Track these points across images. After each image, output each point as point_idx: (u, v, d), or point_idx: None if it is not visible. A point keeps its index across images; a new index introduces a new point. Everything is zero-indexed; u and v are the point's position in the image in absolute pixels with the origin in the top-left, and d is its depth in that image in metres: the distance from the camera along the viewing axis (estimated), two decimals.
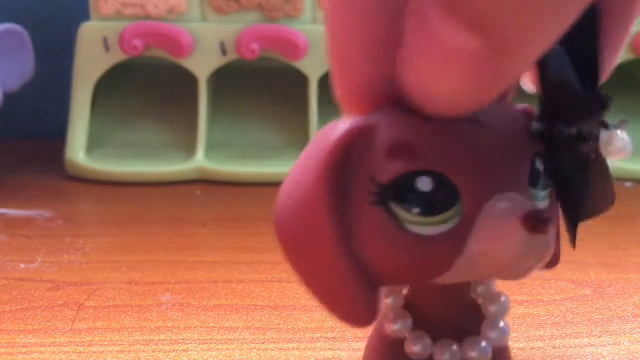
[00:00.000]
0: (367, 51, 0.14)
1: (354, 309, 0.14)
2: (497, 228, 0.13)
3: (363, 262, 0.14)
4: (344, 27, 0.14)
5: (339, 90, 0.14)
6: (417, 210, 0.13)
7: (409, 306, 0.16)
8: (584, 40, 0.14)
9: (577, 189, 0.15)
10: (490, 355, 0.16)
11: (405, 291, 0.17)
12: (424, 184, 0.13)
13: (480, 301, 0.17)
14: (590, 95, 0.14)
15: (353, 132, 0.14)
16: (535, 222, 0.13)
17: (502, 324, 0.16)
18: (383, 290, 0.15)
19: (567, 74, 0.14)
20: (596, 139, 0.14)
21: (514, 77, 0.12)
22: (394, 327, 0.16)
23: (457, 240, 0.13)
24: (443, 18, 0.12)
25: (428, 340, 0.16)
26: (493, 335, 0.16)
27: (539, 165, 0.14)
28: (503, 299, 0.16)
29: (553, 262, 0.16)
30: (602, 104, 0.14)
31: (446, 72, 0.12)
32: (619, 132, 0.14)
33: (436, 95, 0.13)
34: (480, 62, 0.12)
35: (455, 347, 0.16)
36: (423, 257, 0.14)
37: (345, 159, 0.14)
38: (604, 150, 0.14)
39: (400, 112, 0.14)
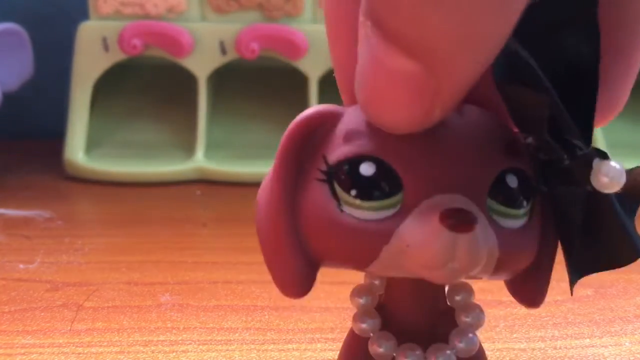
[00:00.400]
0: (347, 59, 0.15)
1: (288, 280, 0.15)
2: (419, 222, 0.13)
3: (304, 241, 0.15)
4: (332, 31, 0.15)
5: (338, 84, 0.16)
6: (354, 192, 0.14)
7: (381, 307, 0.17)
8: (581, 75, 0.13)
9: (575, 232, 0.15)
10: None
11: (380, 293, 0.17)
12: (367, 169, 0.14)
13: (456, 311, 0.16)
14: (532, 95, 0.13)
15: (312, 117, 0.15)
16: (455, 219, 0.13)
17: (471, 334, 0.16)
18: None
19: (520, 75, 0.13)
20: (585, 164, 0.13)
21: (454, 96, 0.13)
22: (361, 326, 0.16)
23: (387, 229, 0.14)
24: (383, 44, 0.13)
25: (393, 342, 0.16)
26: (460, 344, 0.16)
27: (511, 182, 0.14)
28: (478, 311, 0.16)
29: (534, 302, 0.16)
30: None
31: (389, 92, 0.13)
32: (611, 162, 0.13)
33: (381, 113, 0.13)
34: (420, 82, 0.12)
35: (419, 351, 0.16)
36: (352, 240, 0.14)
37: (305, 141, 0.15)
38: (593, 179, 0.13)
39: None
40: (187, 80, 0.42)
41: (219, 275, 0.26)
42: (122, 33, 0.40)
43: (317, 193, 0.14)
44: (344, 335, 0.21)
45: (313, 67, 0.41)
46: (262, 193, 0.15)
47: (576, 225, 0.15)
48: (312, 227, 0.15)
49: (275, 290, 0.25)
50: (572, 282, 0.15)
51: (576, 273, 0.15)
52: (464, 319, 0.16)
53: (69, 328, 0.21)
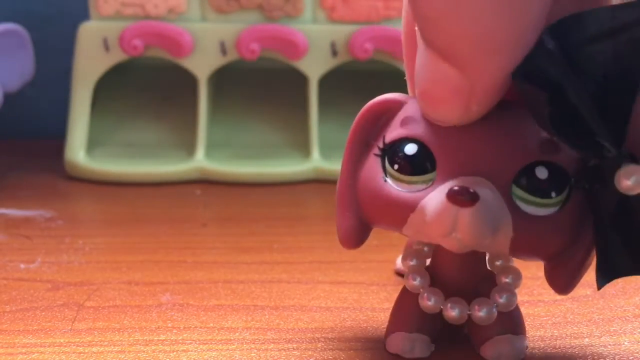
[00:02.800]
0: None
1: (342, 234, 0.18)
2: (433, 196, 0.16)
3: (358, 201, 0.18)
4: (406, 44, 0.18)
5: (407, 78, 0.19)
6: (396, 166, 0.17)
7: (429, 269, 0.19)
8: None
9: (607, 229, 0.15)
10: (494, 316, 0.18)
11: (428, 257, 0.19)
12: (410, 149, 0.17)
13: (496, 272, 0.19)
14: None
15: (378, 103, 0.18)
16: (457, 194, 0.15)
17: (510, 292, 0.18)
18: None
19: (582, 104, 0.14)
20: (613, 166, 0.14)
21: (487, 94, 0.15)
22: (413, 282, 0.19)
23: (415, 199, 0.16)
24: (428, 51, 0.15)
25: (441, 296, 0.18)
26: (501, 300, 0.18)
27: (541, 174, 0.16)
28: (516, 273, 0.19)
29: (562, 288, 0.18)
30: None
31: (435, 90, 0.16)
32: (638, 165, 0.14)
33: (430, 107, 0.16)
34: (455, 83, 0.15)
35: (464, 304, 0.18)
36: (387, 206, 0.17)
37: (372, 122, 0.18)
38: (617, 181, 0.14)
39: None
40: (188, 80, 0.42)
41: (219, 275, 0.26)
42: (123, 33, 0.40)
43: (372, 165, 0.17)
44: (344, 335, 0.21)
45: (313, 67, 0.41)
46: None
47: (606, 223, 0.16)
48: (363, 191, 0.18)
49: (275, 290, 0.25)
50: (600, 283, 0.16)
51: (604, 274, 0.16)
52: (504, 279, 0.19)
53: (70, 327, 0.22)
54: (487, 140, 0.16)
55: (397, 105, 0.18)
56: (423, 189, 0.16)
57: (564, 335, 0.21)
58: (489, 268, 0.19)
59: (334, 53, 0.41)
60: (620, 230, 0.15)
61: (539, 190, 0.16)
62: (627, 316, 0.22)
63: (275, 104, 0.45)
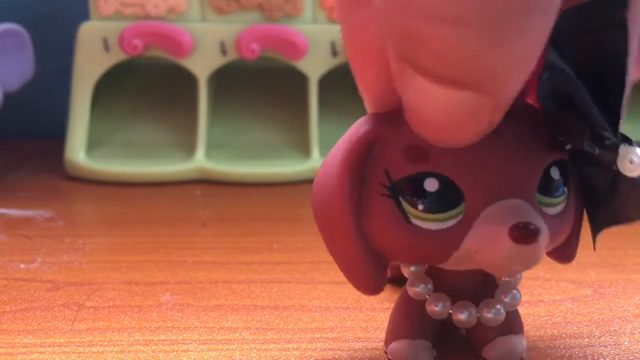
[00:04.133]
0: (380, 77, 0.16)
1: (363, 280, 0.17)
2: (489, 233, 0.15)
3: (375, 248, 0.16)
4: (356, 59, 0.16)
5: (362, 93, 0.17)
6: (421, 207, 0.15)
7: (428, 274, 0.19)
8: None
9: (600, 197, 0.16)
10: (503, 316, 0.18)
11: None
12: (431, 185, 0.15)
13: (496, 275, 0.18)
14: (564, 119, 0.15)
15: (372, 133, 0.16)
16: (521, 234, 0.15)
17: (514, 290, 0.18)
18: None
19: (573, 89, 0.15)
20: (613, 151, 0.15)
21: (508, 104, 0.14)
22: (416, 290, 0.18)
23: (454, 237, 0.15)
24: (429, 83, 0.14)
25: (448, 302, 0.18)
26: (506, 299, 0.18)
27: (555, 174, 0.16)
28: (517, 274, 0.18)
29: (568, 258, 0.18)
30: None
31: (447, 117, 0.14)
32: (637, 148, 0.15)
33: (440, 135, 0.15)
34: (476, 104, 0.14)
35: (472, 308, 0.18)
36: (423, 248, 0.16)
37: (365, 155, 0.16)
38: (619, 164, 0.15)
39: None
40: (188, 80, 0.42)
41: (219, 275, 0.26)
42: (123, 33, 0.40)
43: (384, 208, 0.16)
44: (344, 335, 0.21)
45: (313, 67, 0.41)
46: (324, 197, 0.16)
47: (602, 193, 0.16)
48: (382, 237, 0.16)
49: (275, 290, 0.25)
50: (595, 235, 0.17)
51: (598, 228, 0.17)
52: (505, 279, 0.18)
53: (70, 327, 0.22)
54: (507, 157, 0.16)
55: (391, 132, 0.16)
56: (456, 223, 0.15)
57: (563, 335, 0.21)
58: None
59: (334, 53, 0.41)
60: (610, 192, 0.16)
61: (556, 190, 0.16)
62: (627, 316, 0.22)
63: (275, 104, 0.45)
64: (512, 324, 0.19)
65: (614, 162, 0.15)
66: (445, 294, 0.18)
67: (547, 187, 0.16)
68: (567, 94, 0.15)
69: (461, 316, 0.18)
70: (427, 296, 0.18)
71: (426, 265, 0.19)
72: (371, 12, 0.15)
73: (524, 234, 0.15)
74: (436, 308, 0.18)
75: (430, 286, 0.18)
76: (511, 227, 0.15)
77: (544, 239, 0.15)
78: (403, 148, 0.16)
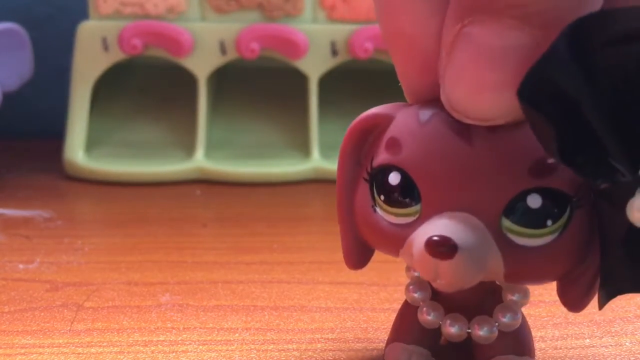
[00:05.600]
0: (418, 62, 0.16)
1: (346, 254, 0.18)
2: (416, 240, 0.15)
3: (355, 225, 0.17)
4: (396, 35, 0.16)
5: (401, 80, 0.17)
6: (383, 197, 0.16)
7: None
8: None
9: (612, 250, 0.14)
10: (495, 335, 0.17)
11: None
12: (394, 178, 0.16)
13: (503, 289, 0.18)
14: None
15: (365, 120, 0.17)
16: (433, 248, 0.14)
17: (514, 310, 0.17)
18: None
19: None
20: (625, 191, 0.13)
21: None
22: (413, 295, 0.18)
23: (402, 235, 0.16)
24: (492, 25, 0.14)
25: (440, 311, 0.18)
26: (503, 319, 0.17)
27: (533, 202, 0.15)
28: (524, 290, 0.18)
29: (572, 306, 0.17)
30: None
31: (499, 74, 0.14)
32: None
33: (484, 102, 0.14)
34: (533, 52, 0.13)
35: (463, 322, 0.17)
36: (379, 237, 0.16)
37: (362, 137, 0.17)
38: (628, 211, 0.13)
39: (413, 110, 0.16)
40: (187, 80, 0.42)
41: (219, 275, 0.26)
42: (122, 33, 0.40)
43: (364, 190, 0.17)
44: (345, 335, 0.21)
45: (313, 67, 0.41)
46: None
47: (612, 243, 0.14)
48: (357, 218, 0.17)
49: (275, 290, 0.25)
50: (602, 302, 0.15)
51: (608, 292, 0.15)
52: (510, 296, 0.17)
53: (69, 328, 0.21)
54: (473, 168, 0.15)
55: (386, 121, 0.16)
56: (410, 223, 0.16)
57: (565, 335, 0.21)
58: (497, 282, 0.18)
59: (334, 53, 0.41)
60: (627, 252, 0.14)
61: (532, 221, 0.15)
62: (629, 317, 0.22)
63: (275, 104, 0.45)
64: (516, 343, 0.18)
65: (624, 203, 0.13)
66: (440, 304, 0.18)
67: (519, 215, 0.15)
68: (572, 98, 0.12)
69: (451, 329, 0.17)
70: (422, 303, 0.18)
71: None
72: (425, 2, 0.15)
73: (435, 248, 0.14)
74: (428, 317, 0.18)
75: (427, 294, 0.18)
76: (427, 239, 0.15)
77: (467, 261, 0.14)
78: (387, 138, 0.16)
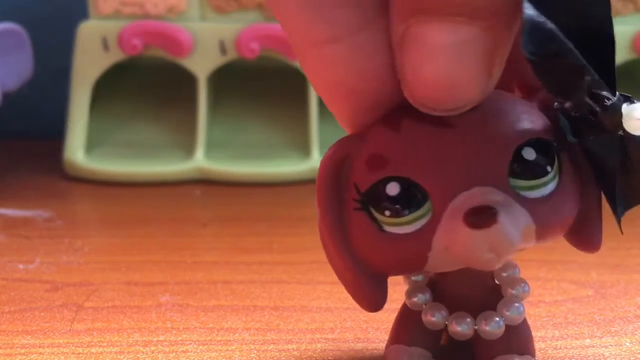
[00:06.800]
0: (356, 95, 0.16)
1: (365, 298, 0.17)
2: (449, 225, 0.15)
3: (362, 263, 0.16)
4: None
5: (338, 118, 0.16)
6: (388, 212, 0.15)
7: (433, 284, 0.18)
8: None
9: (613, 174, 0.15)
10: (502, 330, 0.17)
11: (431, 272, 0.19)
12: (392, 189, 0.15)
13: (502, 285, 0.18)
14: (578, 64, 0.14)
15: (338, 151, 0.16)
16: (476, 218, 0.14)
17: (517, 304, 0.17)
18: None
19: (549, 46, 0.14)
20: (615, 111, 0.14)
21: (505, 53, 0.14)
22: (413, 300, 0.18)
23: (424, 238, 0.15)
24: (441, 24, 0.14)
25: (444, 312, 0.18)
26: (508, 313, 0.17)
27: (528, 154, 0.15)
28: (523, 284, 0.18)
29: (592, 246, 0.17)
30: (582, 71, 0.14)
31: (457, 67, 0.14)
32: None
33: (449, 94, 0.15)
34: (484, 44, 0.14)
35: (469, 319, 0.17)
36: (400, 254, 0.16)
37: (335, 174, 0.16)
38: (626, 123, 0.14)
39: (381, 127, 0.16)
40: (187, 80, 0.42)
41: (219, 275, 0.26)
42: (122, 33, 0.40)
43: (358, 221, 0.16)
44: (345, 335, 0.21)
45: None
46: (320, 231, 0.17)
47: (614, 168, 0.15)
48: (364, 251, 0.16)
49: (275, 290, 0.25)
50: (619, 218, 0.16)
51: (621, 208, 0.16)
52: (511, 291, 0.18)
53: (69, 328, 0.21)
54: (466, 146, 0.15)
55: (354, 148, 0.16)
56: (427, 222, 0.15)
57: (565, 335, 0.21)
58: (496, 281, 0.18)
59: None
60: (624, 168, 0.15)
61: (534, 172, 0.15)
62: (629, 317, 0.22)
63: (275, 104, 0.45)
64: (518, 342, 0.18)
65: (619, 124, 0.14)
66: (443, 305, 0.18)
67: (521, 170, 0.15)
68: (553, 50, 0.14)
69: (457, 328, 0.17)
70: (424, 306, 0.18)
71: (428, 275, 0.18)
72: (343, 46, 0.15)
73: (478, 218, 0.14)
74: (432, 318, 0.18)
75: (428, 296, 0.18)
76: (464, 214, 0.14)
77: (509, 220, 0.14)
78: (366, 159, 0.16)
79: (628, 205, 0.16)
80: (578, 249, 0.17)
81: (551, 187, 0.15)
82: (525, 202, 0.15)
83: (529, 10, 0.14)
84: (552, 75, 0.15)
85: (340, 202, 0.16)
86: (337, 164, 0.16)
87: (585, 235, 0.17)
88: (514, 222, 0.15)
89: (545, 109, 0.16)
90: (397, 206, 0.15)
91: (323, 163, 0.16)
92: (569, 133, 0.16)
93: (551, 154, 0.16)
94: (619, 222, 0.16)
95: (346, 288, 0.17)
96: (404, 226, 0.15)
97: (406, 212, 0.15)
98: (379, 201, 0.15)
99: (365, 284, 0.16)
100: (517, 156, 0.15)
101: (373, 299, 0.17)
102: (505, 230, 0.14)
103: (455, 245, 0.15)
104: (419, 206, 0.15)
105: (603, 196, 0.16)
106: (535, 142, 0.15)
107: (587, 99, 0.14)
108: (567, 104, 0.15)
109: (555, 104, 0.16)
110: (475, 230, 0.14)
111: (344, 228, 0.16)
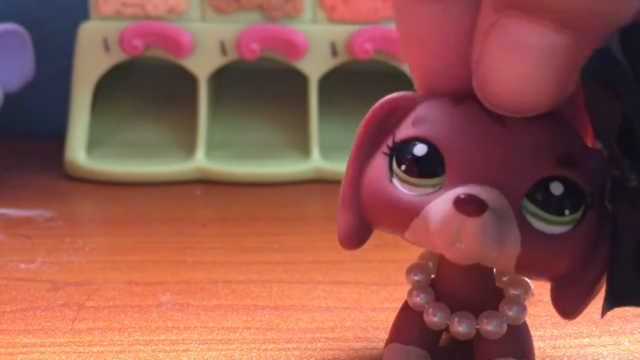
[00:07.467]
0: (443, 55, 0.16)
1: (342, 233, 0.17)
2: (439, 200, 0.15)
3: (360, 201, 0.17)
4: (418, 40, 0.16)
5: (413, 75, 0.17)
6: (404, 167, 0.16)
7: (434, 284, 0.18)
8: None
9: (621, 259, 0.15)
10: (504, 329, 0.17)
11: (433, 271, 0.19)
12: (420, 149, 0.16)
13: (504, 287, 0.18)
14: None
15: (390, 101, 0.17)
16: (465, 203, 0.14)
17: (519, 303, 0.18)
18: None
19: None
20: None
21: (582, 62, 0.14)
22: (415, 300, 0.18)
23: (419, 204, 0.15)
24: (529, 25, 0.14)
25: (446, 312, 0.18)
26: (510, 312, 0.17)
27: (556, 189, 0.15)
28: (525, 284, 0.18)
29: (566, 313, 0.16)
30: None
31: (533, 73, 0.14)
32: None
33: (519, 97, 0.15)
34: (566, 56, 0.14)
35: (471, 319, 0.17)
36: (390, 208, 0.16)
37: (383, 118, 0.17)
38: None
39: (442, 100, 0.16)
40: (188, 80, 0.42)
41: (219, 275, 0.26)
42: (123, 33, 0.40)
43: (380, 164, 0.17)
44: (344, 335, 0.21)
45: (313, 67, 0.41)
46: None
47: (625, 252, 0.15)
48: (367, 190, 0.17)
49: (275, 290, 0.25)
50: (605, 308, 0.15)
51: (612, 301, 0.15)
52: (512, 291, 0.18)
53: (70, 327, 0.22)
54: (503, 148, 0.15)
55: (410, 104, 0.17)
56: (429, 194, 0.15)
57: (563, 335, 0.21)
58: (497, 284, 0.19)
59: (334, 53, 0.41)
60: (631, 262, 0.14)
61: (552, 207, 0.15)
62: (627, 316, 0.22)
63: (275, 104, 0.45)
64: (516, 346, 0.18)
65: None
66: (445, 304, 0.18)
67: (541, 199, 0.15)
68: (611, 84, 0.13)
69: (459, 327, 0.17)
70: (426, 305, 0.18)
71: (431, 275, 0.18)
72: (446, 5, 0.15)
73: (467, 203, 0.14)
74: (434, 318, 0.18)
75: (430, 297, 0.18)
76: (456, 196, 0.15)
77: (494, 225, 0.14)
78: (414, 117, 0.16)
79: (621, 303, 0.15)
80: (552, 304, 0.17)
81: (558, 230, 0.15)
82: (525, 227, 0.15)
83: (614, 41, 0.13)
84: (593, 104, 0.14)
85: (375, 144, 0.17)
86: (390, 111, 0.17)
87: (567, 299, 0.16)
88: (498, 230, 0.15)
89: (600, 162, 0.15)
90: (415, 166, 0.16)
91: (376, 106, 0.17)
92: (607, 197, 0.15)
93: (579, 202, 0.15)
94: (603, 311, 0.15)
95: (337, 220, 0.18)
96: (409, 186, 0.16)
97: (418, 174, 0.16)
98: (402, 154, 0.16)
99: (355, 220, 0.17)
100: (544, 184, 0.15)
101: (354, 237, 0.17)
102: (484, 229, 0.14)
103: (434, 221, 0.15)
104: (431, 176, 0.16)
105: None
106: (569, 182, 0.15)
107: (617, 150, 0.14)
108: (605, 151, 0.15)
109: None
110: (457, 213, 0.14)
111: (364, 169, 0.17)
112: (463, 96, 0.16)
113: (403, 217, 0.16)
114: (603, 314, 0.15)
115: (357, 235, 0.17)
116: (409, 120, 0.16)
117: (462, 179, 0.15)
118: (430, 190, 0.16)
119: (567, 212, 0.15)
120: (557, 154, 0.15)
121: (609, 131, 0.14)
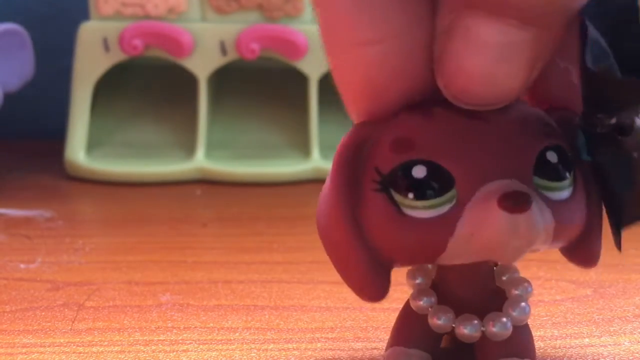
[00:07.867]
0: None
1: (365, 287, 0.16)
2: (480, 210, 0.15)
3: (373, 248, 0.16)
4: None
5: (352, 110, 0.16)
6: (411, 195, 0.15)
7: (435, 286, 0.18)
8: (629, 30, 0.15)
9: (619, 190, 0.16)
10: (510, 331, 0.17)
11: (433, 274, 0.18)
12: (419, 172, 0.15)
13: (504, 287, 0.18)
14: (630, 81, 0.15)
15: (358, 134, 0.16)
16: (512, 202, 0.14)
17: (523, 303, 0.18)
18: (407, 272, 0.17)
19: (607, 62, 0.14)
20: (636, 131, 0.15)
21: (546, 60, 0.15)
22: (419, 303, 0.18)
23: (448, 223, 0.15)
24: (492, 23, 0.14)
25: (451, 315, 0.17)
26: (514, 313, 0.17)
27: (551, 157, 0.16)
28: (526, 284, 0.18)
29: (591, 261, 0.17)
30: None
31: (500, 67, 0.14)
32: None
33: (485, 91, 0.15)
34: (530, 49, 0.14)
35: (476, 321, 0.17)
36: (418, 239, 0.15)
37: (354, 156, 0.16)
38: None
39: (410, 113, 0.16)
40: (188, 80, 0.42)
41: (219, 275, 0.26)
42: (123, 33, 0.40)
43: (376, 203, 0.16)
44: (344, 335, 0.21)
45: (313, 67, 0.41)
46: (322, 207, 0.17)
47: (621, 185, 0.16)
48: (379, 233, 0.16)
49: (275, 290, 0.25)
50: (618, 235, 0.16)
51: (621, 225, 0.16)
52: (514, 291, 0.18)
53: (70, 327, 0.22)
54: (497, 139, 0.16)
55: (376, 131, 0.16)
56: (450, 209, 0.15)
57: (564, 335, 0.21)
58: (497, 285, 0.18)
59: None
60: (629, 187, 0.16)
61: (555, 174, 0.16)
62: (627, 316, 0.22)
63: (275, 104, 0.45)
64: (519, 346, 0.18)
65: (637, 147, 0.15)
66: (449, 307, 0.17)
67: (544, 170, 0.16)
68: (609, 66, 0.14)
69: (464, 330, 0.17)
70: (430, 309, 0.18)
71: (432, 278, 0.18)
72: (383, 48, 0.15)
73: (514, 201, 0.14)
74: (439, 321, 0.17)
75: (433, 300, 0.18)
76: (500, 197, 0.14)
77: (539, 211, 0.15)
78: (390, 142, 0.16)
79: (629, 221, 0.16)
80: (575, 264, 0.17)
81: (567, 193, 0.16)
82: (547, 201, 0.16)
83: (592, 28, 0.14)
84: (604, 90, 0.15)
85: (355, 186, 0.16)
86: (357, 148, 0.16)
87: (584, 250, 0.17)
88: (541, 214, 0.15)
89: (562, 125, 0.17)
90: (422, 189, 0.15)
91: (342, 146, 0.16)
92: (584, 151, 0.16)
93: (569, 163, 0.16)
94: (619, 236, 0.16)
95: (347, 276, 0.16)
96: (426, 210, 0.15)
97: (430, 195, 0.15)
98: (403, 183, 0.15)
99: (371, 271, 0.16)
100: (542, 157, 0.16)
101: (376, 288, 0.16)
102: (537, 218, 0.15)
103: (483, 230, 0.15)
104: (444, 191, 0.15)
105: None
106: (557, 148, 0.16)
107: (635, 119, 0.15)
108: (612, 120, 0.15)
109: (578, 119, 0.16)
110: (509, 214, 0.14)
111: (357, 213, 0.16)
112: (427, 109, 0.16)
113: (436, 242, 0.15)
114: (618, 242, 0.16)
115: (379, 282, 0.16)
116: (384, 149, 0.16)
117: (475, 183, 0.15)
118: (449, 205, 0.15)
119: (566, 174, 0.16)
120: (540, 127, 0.16)
121: (629, 105, 0.15)
